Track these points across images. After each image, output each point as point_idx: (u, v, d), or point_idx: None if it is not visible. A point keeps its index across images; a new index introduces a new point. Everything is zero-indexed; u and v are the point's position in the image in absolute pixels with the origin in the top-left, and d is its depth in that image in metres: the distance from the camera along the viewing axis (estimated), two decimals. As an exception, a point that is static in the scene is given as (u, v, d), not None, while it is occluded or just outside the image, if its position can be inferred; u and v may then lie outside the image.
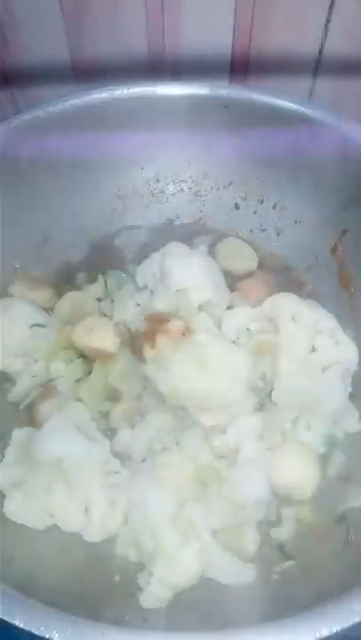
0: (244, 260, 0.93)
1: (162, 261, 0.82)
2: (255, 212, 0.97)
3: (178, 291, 0.79)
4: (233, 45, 0.99)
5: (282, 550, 0.69)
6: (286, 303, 0.77)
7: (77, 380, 0.78)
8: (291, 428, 0.75)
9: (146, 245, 0.95)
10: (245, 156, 0.92)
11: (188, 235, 0.96)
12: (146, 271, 0.85)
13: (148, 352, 0.74)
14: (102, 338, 0.77)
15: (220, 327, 0.78)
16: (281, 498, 0.71)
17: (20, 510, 0.67)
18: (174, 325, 0.74)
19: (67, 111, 0.85)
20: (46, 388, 0.77)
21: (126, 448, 0.73)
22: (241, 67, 1.02)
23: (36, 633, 0.49)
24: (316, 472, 0.71)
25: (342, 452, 0.75)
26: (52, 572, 0.64)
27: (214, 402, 0.72)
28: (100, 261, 0.92)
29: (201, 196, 0.99)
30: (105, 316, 0.83)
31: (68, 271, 0.92)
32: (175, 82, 0.88)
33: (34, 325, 0.79)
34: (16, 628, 0.49)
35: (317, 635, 0.49)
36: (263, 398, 0.76)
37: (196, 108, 0.88)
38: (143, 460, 0.72)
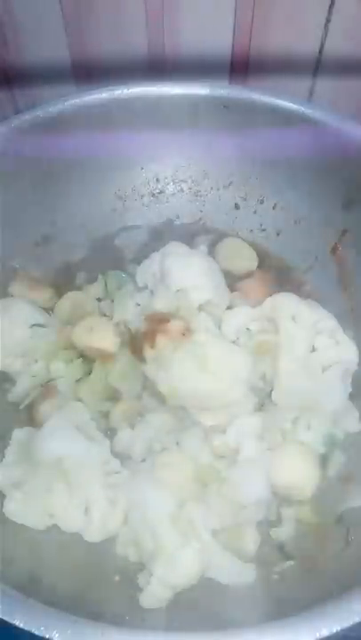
0: (244, 260, 0.93)
1: (162, 261, 0.82)
2: (255, 212, 0.97)
3: (178, 291, 0.79)
4: (233, 45, 0.99)
5: (282, 550, 0.69)
6: (286, 303, 0.77)
7: (77, 380, 0.78)
8: (291, 427, 0.75)
9: (146, 245, 0.95)
10: (245, 155, 0.92)
11: (188, 235, 0.96)
12: (146, 271, 0.85)
13: (148, 352, 0.74)
14: (102, 338, 0.77)
15: (220, 327, 0.78)
16: (281, 498, 0.71)
17: (20, 510, 0.67)
18: (174, 325, 0.74)
19: (67, 111, 0.85)
20: (46, 388, 0.77)
21: (126, 448, 0.73)
22: (241, 67, 1.02)
23: (36, 633, 0.49)
24: (316, 472, 0.71)
25: (342, 451, 0.75)
26: (52, 572, 0.63)
27: (214, 402, 0.72)
28: (100, 261, 0.92)
29: (201, 196, 0.99)
30: (105, 316, 0.83)
31: (68, 271, 0.92)
32: (175, 82, 0.88)
33: (34, 325, 0.79)
34: (16, 627, 0.49)
35: (317, 635, 0.49)
36: (263, 398, 0.76)
37: (196, 107, 0.88)
38: (143, 460, 0.72)
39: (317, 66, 1.00)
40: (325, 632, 0.49)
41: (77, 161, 0.88)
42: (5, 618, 0.49)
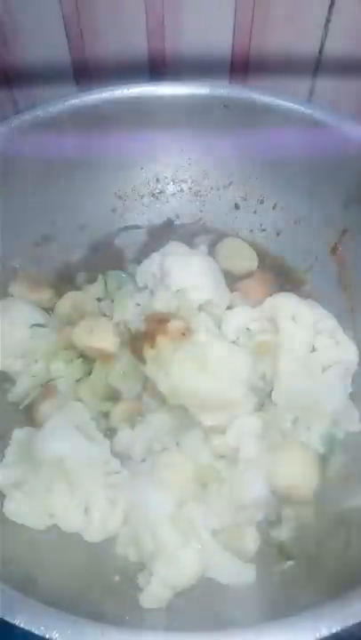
0: (244, 260, 0.93)
1: (162, 261, 0.82)
2: (255, 212, 0.97)
3: (178, 291, 0.79)
4: (233, 45, 0.99)
5: (282, 550, 0.69)
6: (286, 303, 0.77)
7: (77, 380, 0.78)
8: (291, 427, 0.75)
9: (146, 245, 0.95)
10: (245, 156, 0.92)
11: (188, 235, 0.96)
12: (146, 271, 0.85)
13: (148, 352, 0.74)
14: (102, 338, 0.77)
15: (220, 327, 0.78)
16: (281, 498, 0.71)
17: (20, 510, 0.67)
18: (174, 325, 0.74)
19: (67, 111, 0.85)
20: (46, 388, 0.77)
21: (126, 448, 0.73)
22: (241, 66, 1.02)
23: (37, 633, 0.49)
24: (316, 472, 0.71)
25: (342, 451, 0.75)
26: (51, 572, 0.63)
27: (214, 402, 0.72)
28: (100, 261, 0.92)
29: (201, 196, 0.99)
30: (105, 315, 0.83)
31: (68, 271, 0.92)
32: (175, 82, 0.88)
33: (34, 325, 0.79)
34: (16, 627, 0.49)
35: (317, 635, 0.49)
36: (263, 398, 0.76)
37: (196, 107, 0.88)
38: (143, 460, 0.72)
39: (317, 66, 1.00)
40: (325, 632, 0.49)
41: (77, 161, 0.88)
42: (6, 618, 0.49)
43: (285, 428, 0.75)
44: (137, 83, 0.87)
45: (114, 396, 0.78)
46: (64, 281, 0.90)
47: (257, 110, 0.86)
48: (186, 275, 0.80)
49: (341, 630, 0.49)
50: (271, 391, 0.75)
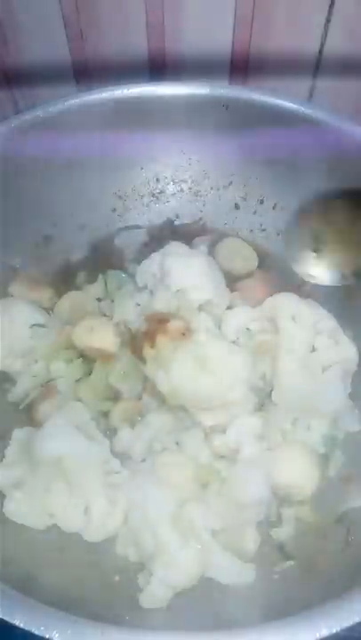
0: (244, 259, 0.93)
1: (162, 261, 0.82)
2: (255, 212, 0.97)
3: (178, 291, 0.79)
4: (233, 45, 0.99)
5: (282, 550, 0.69)
6: (286, 303, 0.77)
7: (77, 380, 0.78)
8: (291, 428, 0.75)
9: (146, 245, 0.95)
10: (245, 155, 0.92)
11: (188, 235, 0.96)
12: (146, 271, 0.85)
13: (148, 352, 0.74)
14: (102, 338, 0.77)
15: (220, 327, 0.78)
16: (281, 498, 0.71)
17: (20, 510, 0.67)
18: (174, 325, 0.74)
19: (67, 111, 0.85)
20: (46, 388, 0.77)
21: (126, 448, 0.73)
22: (241, 67, 1.02)
23: (37, 633, 0.49)
24: (316, 472, 0.71)
25: (342, 451, 0.75)
26: (51, 572, 0.63)
27: (214, 402, 0.72)
28: (100, 261, 0.92)
29: (201, 196, 0.99)
30: (105, 315, 0.83)
31: (68, 271, 0.92)
32: (175, 82, 0.88)
33: (34, 325, 0.79)
34: (16, 628, 0.49)
35: (317, 635, 0.49)
36: (263, 398, 0.76)
37: (196, 107, 0.88)
38: (143, 460, 0.72)
39: (317, 66, 1.00)
40: (325, 632, 0.49)
41: (77, 161, 0.88)
42: (5, 618, 0.49)
43: (285, 428, 0.75)
44: (137, 83, 0.87)
45: (114, 396, 0.78)
46: (64, 281, 0.90)
47: (257, 110, 0.86)
48: (186, 275, 0.79)
49: (341, 630, 0.50)
50: (271, 391, 0.75)
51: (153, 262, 0.84)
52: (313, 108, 0.84)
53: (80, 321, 0.79)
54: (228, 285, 0.85)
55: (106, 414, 0.77)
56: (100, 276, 0.87)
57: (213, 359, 0.71)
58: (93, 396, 0.77)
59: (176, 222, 0.99)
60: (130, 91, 0.86)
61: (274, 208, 0.95)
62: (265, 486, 0.69)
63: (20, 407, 0.78)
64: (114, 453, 0.72)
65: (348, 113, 0.84)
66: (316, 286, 0.90)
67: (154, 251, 0.86)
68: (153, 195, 0.98)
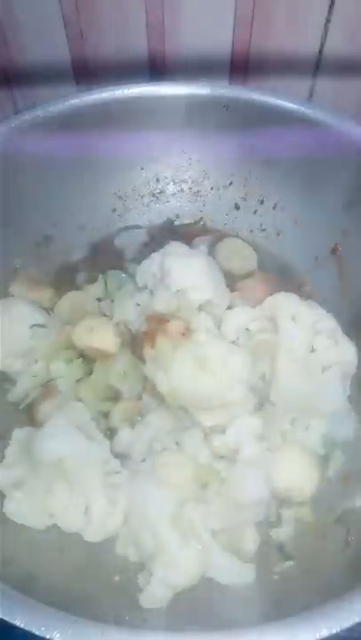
0: (244, 260, 0.93)
1: (162, 261, 0.82)
2: (255, 213, 0.97)
3: (178, 291, 0.79)
4: (233, 45, 0.99)
5: (282, 550, 0.69)
6: (286, 303, 0.76)
7: (78, 380, 0.78)
8: (290, 428, 0.75)
9: (146, 245, 0.95)
10: (245, 155, 0.92)
11: (188, 235, 0.96)
12: (146, 271, 0.85)
13: (148, 352, 0.74)
14: (102, 338, 0.77)
15: (219, 327, 0.78)
16: (281, 499, 0.71)
17: (20, 510, 0.67)
18: (174, 325, 0.74)
19: (67, 111, 0.85)
20: (46, 388, 0.77)
21: (126, 448, 0.73)
22: (241, 67, 1.02)
23: (37, 633, 0.49)
24: (315, 473, 0.71)
25: (342, 451, 0.75)
26: (51, 572, 0.64)
27: (214, 402, 0.72)
28: (100, 261, 0.92)
29: (201, 196, 0.99)
30: (105, 315, 0.83)
31: (68, 271, 0.92)
32: (175, 82, 0.88)
33: (34, 326, 0.79)
34: (16, 628, 0.49)
35: (317, 635, 0.49)
36: (263, 399, 0.76)
37: (196, 107, 0.88)
38: (143, 460, 0.72)
39: (317, 66, 1.00)
40: (325, 632, 0.49)
41: (77, 161, 0.88)
42: (6, 618, 0.49)
43: (284, 429, 0.75)
44: (137, 83, 0.87)
45: (114, 396, 0.78)
46: (64, 281, 0.90)
47: (257, 110, 0.86)
48: (186, 275, 0.79)
49: (341, 630, 0.50)
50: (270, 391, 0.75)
51: (153, 262, 0.84)
52: (313, 108, 0.84)
53: (80, 321, 0.79)
54: (228, 285, 0.85)
55: (106, 414, 0.77)
56: (100, 276, 0.87)
57: (213, 359, 0.71)
58: (93, 396, 0.77)
59: (176, 222, 0.99)
60: (130, 91, 0.86)
61: (274, 208, 0.95)
62: (264, 486, 0.69)
63: (20, 407, 0.78)
64: (114, 453, 0.72)
65: (348, 113, 0.84)
66: (317, 287, 0.90)
67: (154, 251, 0.86)
68: (153, 195, 0.98)
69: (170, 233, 0.97)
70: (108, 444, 0.72)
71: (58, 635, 0.48)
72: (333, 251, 0.88)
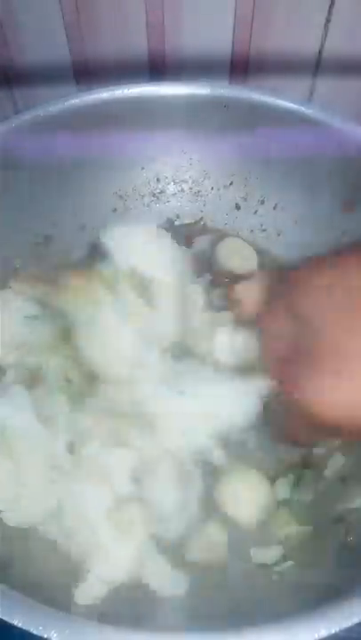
0: (244, 259, 0.93)
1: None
2: (256, 213, 0.97)
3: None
4: (233, 45, 0.99)
5: (282, 550, 0.69)
6: None
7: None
8: None
9: (146, 245, 0.95)
10: (246, 155, 0.92)
11: (189, 235, 0.96)
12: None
13: None
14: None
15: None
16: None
17: None
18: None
19: (67, 111, 0.85)
20: (32, 377, 0.76)
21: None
22: (241, 66, 1.02)
23: (35, 632, 0.49)
24: None
25: (342, 452, 0.75)
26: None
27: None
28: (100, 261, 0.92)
29: (201, 196, 0.99)
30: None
31: (68, 270, 0.92)
32: (175, 82, 0.88)
33: (28, 317, 0.78)
34: (14, 627, 0.49)
35: (316, 635, 0.49)
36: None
37: (196, 107, 0.88)
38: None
39: (317, 66, 1.00)
40: (325, 632, 0.49)
41: (77, 161, 0.88)
42: (4, 617, 0.50)
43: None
44: (137, 83, 0.87)
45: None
46: (63, 278, 0.89)
47: (257, 110, 0.85)
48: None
49: (340, 631, 0.49)
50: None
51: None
52: (313, 108, 0.84)
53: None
54: (227, 285, 0.85)
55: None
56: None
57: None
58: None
59: (176, 222, 0.99)
60: (130, 91, 0.86)
61: (275, 208, 0.95)
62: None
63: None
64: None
65: (348, 113, 0.84)
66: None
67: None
68: (153, 195, 0.98)
69: (170, 233, 0.97)
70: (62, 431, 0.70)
71: (55, 634, 0.48)
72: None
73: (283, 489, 0.73)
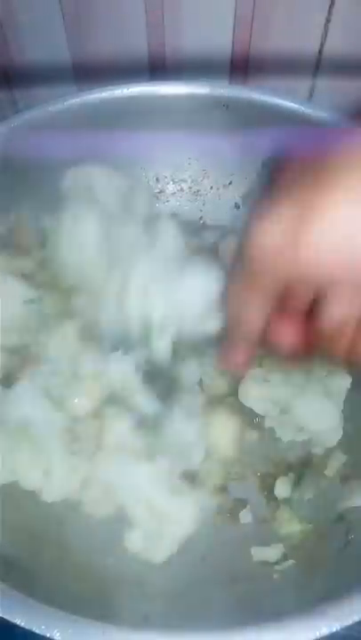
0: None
1: None
2: (255, 212, 0.97)
3: None
4: (233, 45, 0.99)
5: (282, 550, 0.69)
6: None
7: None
8: None
9: (146, 245, 0.95)
10: (245, 155, 0.92)
11: (188, 234, 0.96)
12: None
13: None
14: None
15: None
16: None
17: None
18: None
19: (67, 111, 0.85)
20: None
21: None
22: (241, 66, 1.02)
23: (37, 632, 0.49)
24: None
25: (342, 451, 0.75)
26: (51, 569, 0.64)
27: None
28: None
29: (201, 196, 0.99)
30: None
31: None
32: (175, 82, 0.88)
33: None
34: (16, 627, 0.49)
35: (317, 634, 0.49)
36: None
37: (196, 107, 0.88)
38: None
39: (317, 66, 1.00)
40: (325, 631, 0.49)
41: (77, 161, 0.88)
42: (6, 617, 0.50)
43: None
44: (137, 83, 0.87)
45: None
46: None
47: (257, 110, 0.86)
48: None
49: (341, 629, 0.50)
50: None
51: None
52: (313, 108, 0.84)
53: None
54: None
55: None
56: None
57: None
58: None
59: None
60: (130, 91, 0.86)
61: (274, 208, 0.95)
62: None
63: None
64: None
65: (348, 113, 0.84)
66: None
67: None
68: (153, 194, 0.98)
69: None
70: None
71: (58, 633, 0.48)
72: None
73: (284, 488, 0.74)
